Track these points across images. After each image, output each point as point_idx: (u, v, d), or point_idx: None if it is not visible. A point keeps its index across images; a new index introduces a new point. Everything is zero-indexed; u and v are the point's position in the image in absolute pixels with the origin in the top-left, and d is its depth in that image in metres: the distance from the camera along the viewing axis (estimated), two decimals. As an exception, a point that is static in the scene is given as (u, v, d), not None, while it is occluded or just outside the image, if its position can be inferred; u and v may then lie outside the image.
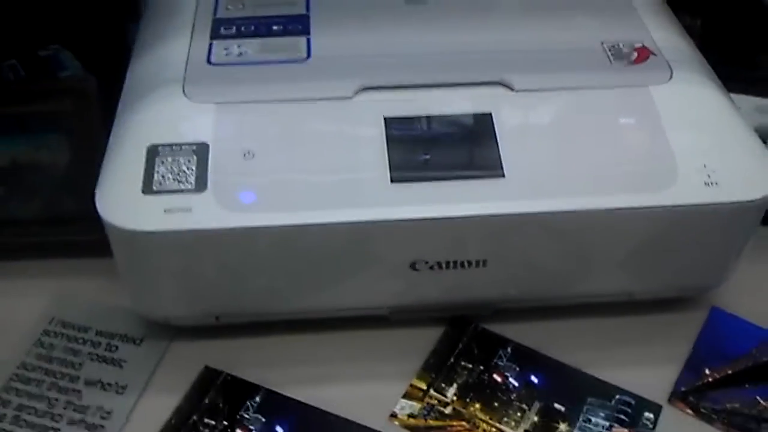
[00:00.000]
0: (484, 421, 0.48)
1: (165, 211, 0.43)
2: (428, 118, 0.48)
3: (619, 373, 0.51)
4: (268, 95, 0.48)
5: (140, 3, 0.64)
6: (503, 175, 0.45)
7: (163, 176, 0.45)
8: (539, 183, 0.45)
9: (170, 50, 0.52)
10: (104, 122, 0.51)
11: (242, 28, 0.54)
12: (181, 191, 0.44)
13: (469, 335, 0.52)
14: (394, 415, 0.48)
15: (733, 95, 0.57)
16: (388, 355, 0.51)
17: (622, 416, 0.48)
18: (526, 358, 0.51)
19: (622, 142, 0.47)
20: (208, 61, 0.51)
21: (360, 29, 0.54)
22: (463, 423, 0.48)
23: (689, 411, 0.49)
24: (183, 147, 0.46)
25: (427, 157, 0.46)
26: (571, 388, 0.50)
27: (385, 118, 0.47)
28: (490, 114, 0.48)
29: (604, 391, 0.49)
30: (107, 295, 0.53)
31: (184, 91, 0.48)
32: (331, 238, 0.45)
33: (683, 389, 0.50)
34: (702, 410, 0.49)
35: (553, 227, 0.46)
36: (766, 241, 0.55)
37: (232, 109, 0.48)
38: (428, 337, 0.52)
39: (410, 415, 0.48)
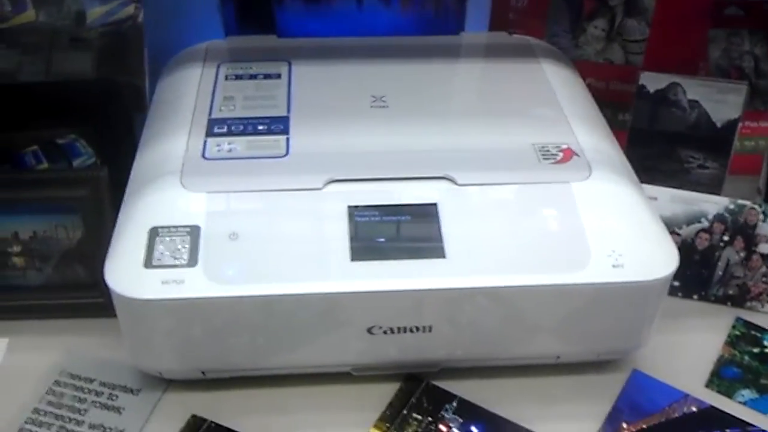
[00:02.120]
0: (428, 465, 0.56)
1: (162, 282, 0.52)
2: (385, 206, 0.57)
3: (549, 426, 0.59)
4: (251, 186, 0.58)
5: (146, 97, 0.74)
6: (444, 257, 0.55)
7: (161, 253, 0.54)
8: (475, 263, 0.55)
9: (171, 145, 0.62)
10: (113, 205, 0.61)
11: (232, 128, 0.64)
12: (176, 266, 0.53)
13: (421, 390, 0.61)
14: (350, 460, 0.56)
15: (653, 187, 0.67)
16: (350, 406, 0.59)
17: (548, 463, 0.56)
18: (469, 412, 0.59)
19: (545, 230, 0.57)
20: (203, 156, 0.61)
21: (331, 129, 0.64)
22: (411, 467, 0.56)
23: (605, 460, 0.57)
24: (179, 229, 0.55)
25: (383, 240, 0.56)
26: (505, 439, 0.58)
27: (348, 207, 0.57)
28: (436, 204, 0.57)
29: (535, 441, 0.58)
30: (110, 351, 0.62)
31: (181, 181, 0.58)
32: (300, 306, 0.54)
33: (602, 441, 0.58)
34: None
35: (485, 300, 0.55)
36: (676, 313, 0.64)
37: (221, 198, 0.57)
38: (385, 392, 0.61)
39: (366, 459, 0.56)
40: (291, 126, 0.64)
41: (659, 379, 0.63)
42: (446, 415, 0.59)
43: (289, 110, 0.66)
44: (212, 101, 0.67)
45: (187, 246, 0.54)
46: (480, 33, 0.83)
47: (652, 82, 0.74)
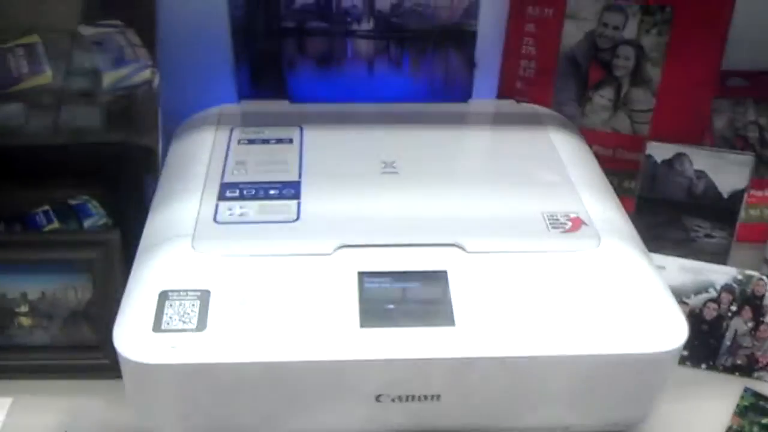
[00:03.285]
0: None
1: (171, 347, 0.52)
2: (394, 273, 0.58)
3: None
4: (261, 251, 0.58)
5: (158, 159, 0.75)
6: (453, 324, 0.55)
7: (170, 317, 0.54)
8: (484, 332, 0.54)
9: (182, 208, 0.63)
10: (123, 268, 0.61)
11: (244, 192, 0.65)
12: (185, 330, 0.53)
13: (427, 461, 0.60)
14: None
15: (661, 256, 0.67)
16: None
17: None
18: (476, 483, 0.58)
19: (555, 299, 0.57)
20: (215, 220, 0.61)
21: (342, 195, 0.65)
22: None
23: None
24: (189, 293, 0.55)
25: (392, 306, 0.56)
26: None
27: (358, 273, 0.57)
28: (446, 272, 0.57)
29: None
30: (113, 413, 0.61)
31: (192, 245, 0.58)
32: (308, 373, 0.53)
33: None
34: None
35: (494, 369, 0.54)
36: (684, 382, 0.64)
37: (231, 262, 0.57)
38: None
39: None
40: (302, 191, 0.65)
41: (667, 450, 0.62)
42: (453, 486, 0.58)
43: (300, 175, 0.67)
44: (225, 165, 0.68)
45: (196, 310, 0.54)
46: (488, 100, 0.84)
47: (659, 152, 0.75)
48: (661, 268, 0.66)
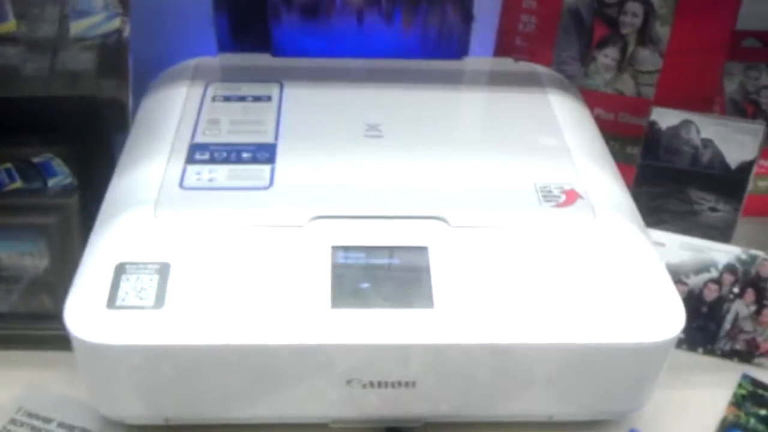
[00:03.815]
0: None
1: (125, 326, 0.48)
2: (371, 248, 0.53)
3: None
4: (229, 220, 0.54)
5: (128, 116, 0.70)
6: (432, 306, 0.51)
7: (126, 293, 0.50)
8: (465, 315, 0.50)
9: (147, 172, 0.58)
10: (83, 234, 0.57)
11: (215, 154, 0.60)
12: (141, 308, 0.49)
13: (403, 446, 0.56)
14: None
15: (660, 232, 0.63)
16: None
17: None
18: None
19: (543, 281, 0.52)
20: (181, 185, 0.57)
21: (320, 160, 0.60)
22: None
23: None
24: (147, 266, 0.51)
25: (367, 285, 0.52)
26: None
27: (332, 247, 0.53)
28: (426, 248, 0.53)
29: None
30: (72, 388, 0.58)
31: (154, 212, 0.54)
32: (274, 357, 0.50)
33: None
34: None
35: (475, 356, 0.51)
36: (680, 366, 0.60)
37: (195, 233, 0.53)
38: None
39: None
40: (277, 155, 0.60)
41: (659, 439, 0.58)
42: (429, 475, 0.55)
43: (276, 137, 0.62)
44: (196, 124, 0.63)
45: (154, 286, 0.50)
46: (484, 58, 0.79)
47: (664, 118, 0.70)
48: (660, 245, 0.62)
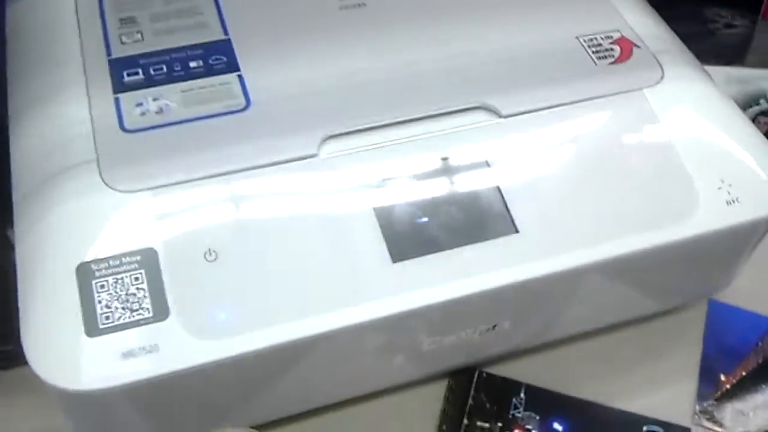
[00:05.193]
0: (521, 493, 0.43)
1: (123, 355, 0.34)
2: (418, 175, 0.40)
3: (637, 398, 0.47)
4: (213, 168, 0.38)
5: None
6: (517, 231, 0.39)
7: (107, 306, 0.35)
8: (559, 234, 0.39)
9: (63, 115, 0.40)
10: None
11: (151, 71, 0.43)
12: (138, 323, 0.34)
13: (476, 386, 0.47)
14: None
15: (705, 67, 0.53)
16: (391, 428, 0.45)
17: (656, 451, 0.45)
18: (543, 403, 0.46)
19: (633, 168, 0.41)
20: (122, 127, 0.40)
21: (298, 53, 0.44)
22: (500, 500, 0.43)
23: (718, 429, 0.46)
24: (123, 259, 0.36)
25: (425, 220, 0.39)
26: (596, 429, 0.46)
27: (366, 182, 0.39)
28: (486, 161, 0.40)
29: (631, 423, 0.46)
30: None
31: (101, 177, 0.38)
32: (334, 343, 0.37)
33: (705, 405, 0.47)
34: (728, 425, 0.46)
35: (575, 280, 0.40)
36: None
37: (173, 195, 0.38)
38: (431, 396, 0.46)
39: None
40: (238, 56, 0.44)
41: (741, 307, 0.52)
42: (518, 414, 0.46)
43: (225, 29, 0.45)
44: (105, 29, 0.45)
45: (143, 286, 0.35)
46: None
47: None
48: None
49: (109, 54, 0.43)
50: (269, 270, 0.36)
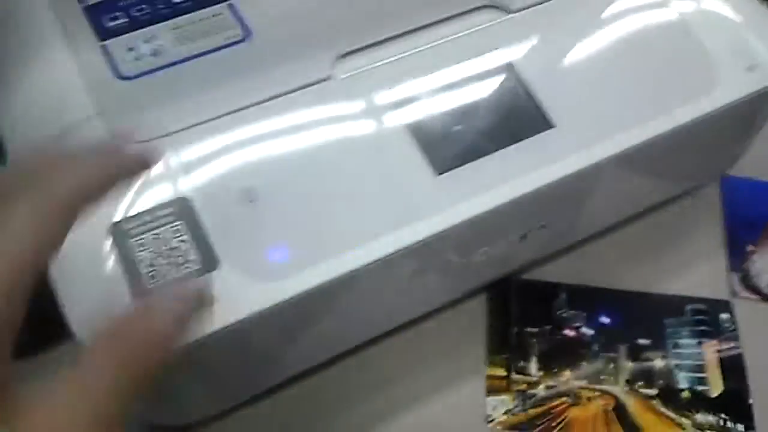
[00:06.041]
0: (583, 389, 0.43)
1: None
2: (438, 81, 0.38)
3: (673, 282, 0.47)
4: (226, 106, 0.36)
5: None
6: (553, 125, 0.37)
7: (151, 264, 0.32)
8: (593, 123, 0.38)
9: (49, 70, 0.37)
10: None
11: (132, 12, 0.39)
12: (189, 276, 0.32)
13: (516, 296, 0.46)
14: (491, 420, 0.42)
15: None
16: (440, 351, 0.44)
17: (703, 327, 0.45)
18: (585, 299, 0.46)
19: (652, 48, 0.40)
20: (119, 75, 0.37)
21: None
22: (564, 399, 0.42)
23: (756, 296, 0.47)
24: (157, 213, 0.33)
25: (459, 127, 0.37)
26: (642, 316, 0.46)
27: (395, 99, 0.37)
28: (511, 64, 0.38)
29: (674, 306, 0.46)
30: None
31: (108, 129, 0.34)
32: (392, 267, 0.35)
33: (740, 276, 0.48)
34: (766, 290, 0.47)
35: (619, 167, 0.39)
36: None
37: (194, 138, 0.35)
38: (469, 312, 0.45)
39: (507, 412, 0.42)
40: (225, -17, 0.40)
41: (755, 177, 0.52)
42: (565, 315, 0.45)
43: (203, -41, 0.42)
44: (69, -23, 0.41)
45: (186, 237, 0.33)
46: None
47: None
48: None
49: (81, 1, 0.40)
50: (312, 202, 0.34)
